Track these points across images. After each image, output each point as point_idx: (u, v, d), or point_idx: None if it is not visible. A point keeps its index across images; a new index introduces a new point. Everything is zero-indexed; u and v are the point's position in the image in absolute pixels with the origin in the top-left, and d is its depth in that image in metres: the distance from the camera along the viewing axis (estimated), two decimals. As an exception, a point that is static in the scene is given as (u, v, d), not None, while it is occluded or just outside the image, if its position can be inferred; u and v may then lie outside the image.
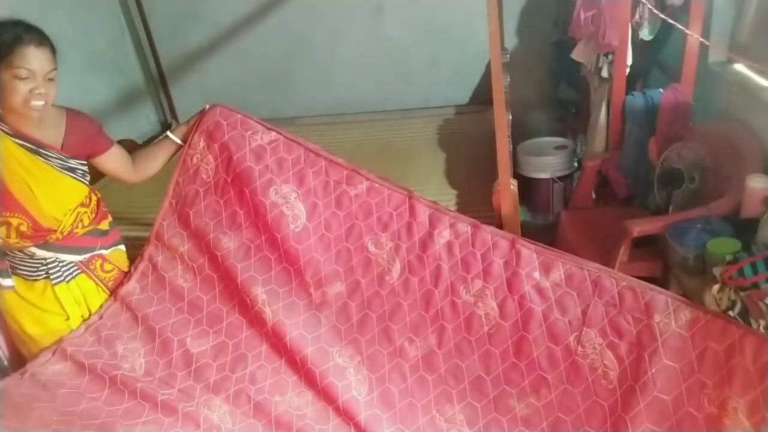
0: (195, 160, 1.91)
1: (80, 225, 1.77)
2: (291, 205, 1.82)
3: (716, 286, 1.60)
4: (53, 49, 1.56)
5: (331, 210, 1.83)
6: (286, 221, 1.81)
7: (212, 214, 1.88)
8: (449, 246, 1.72)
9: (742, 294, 1.51)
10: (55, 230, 1.70)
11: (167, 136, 1.94)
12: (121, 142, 1.95)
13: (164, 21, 3.81)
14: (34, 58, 1.50)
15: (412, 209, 1.79)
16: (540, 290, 1.61)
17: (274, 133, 1.89)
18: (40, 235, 1.68)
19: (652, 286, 1.53)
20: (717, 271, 1.63)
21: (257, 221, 1.83)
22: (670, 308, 1.46)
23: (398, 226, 1.78)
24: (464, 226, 1.74)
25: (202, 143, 1.90)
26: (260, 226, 1.83)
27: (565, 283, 1.59)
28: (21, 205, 1.62)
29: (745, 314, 1.49)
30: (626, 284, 1.53)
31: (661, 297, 1.49)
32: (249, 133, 1.88)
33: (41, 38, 1.53)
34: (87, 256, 1.81)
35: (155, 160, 1.91)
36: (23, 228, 1.64)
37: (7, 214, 1.61)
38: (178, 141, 1.93)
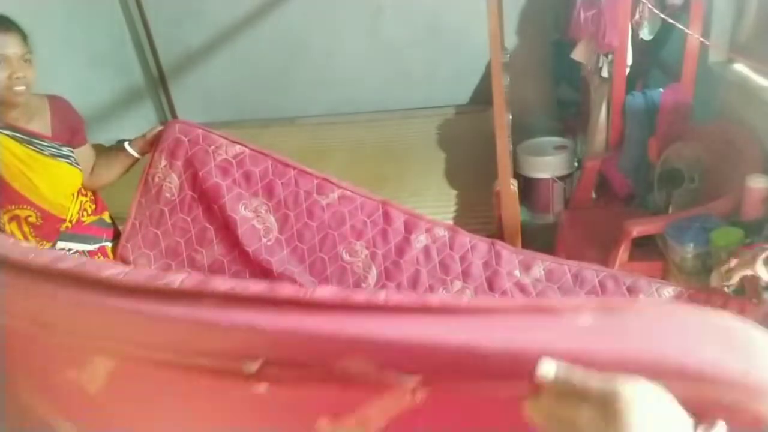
0: (157, 179, 1.86)
1: (85, 213, 1.78)
2: (262, 219, 1.81)
3: (726, 266, 1.57)
4: (23, 33, 1.55)
5: (303, 221, 1.80)
6: (257, 235, 1.79)
7: (181, 232, 1.83)
8: (426, 250, 1.71)
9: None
10: (65, 218, 1.71)
11: (124, 148, 1.89)
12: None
13: (164, 21, 3.81)
14: (4, 44, 1.50)
15: (386, 216, 1.77)
16: (521, 287, 1.62)
17: (239, 146, 1.85)
18: (53, 227, 1.69)
19: (632, 273, 1.57)
20: (722, 265, 1.60)
21: (228, 236, 1.80)
22: (653, 288, 1.51)
23: (373, 234, 1.76)
24: (441, 230, 1.73)
25: (163, 162, 1.85)
26: (232, 241, 1.80)
27: (545, 278, 1.61)
28: (24, 197, 1.63)
29: (741, 292, 1.50)
30: (606, 274, 1.57)
31: (642, 280, 1.53)
32: (212, 147, 1.84)
33: (8, 24, 1.53)
34: (96, 246, 1.82)
35: (110, 172, 1.87)
36: (32, 219, 1.65)
37: (13, 207, 1.62)
38: (135, 155, 1.88)
